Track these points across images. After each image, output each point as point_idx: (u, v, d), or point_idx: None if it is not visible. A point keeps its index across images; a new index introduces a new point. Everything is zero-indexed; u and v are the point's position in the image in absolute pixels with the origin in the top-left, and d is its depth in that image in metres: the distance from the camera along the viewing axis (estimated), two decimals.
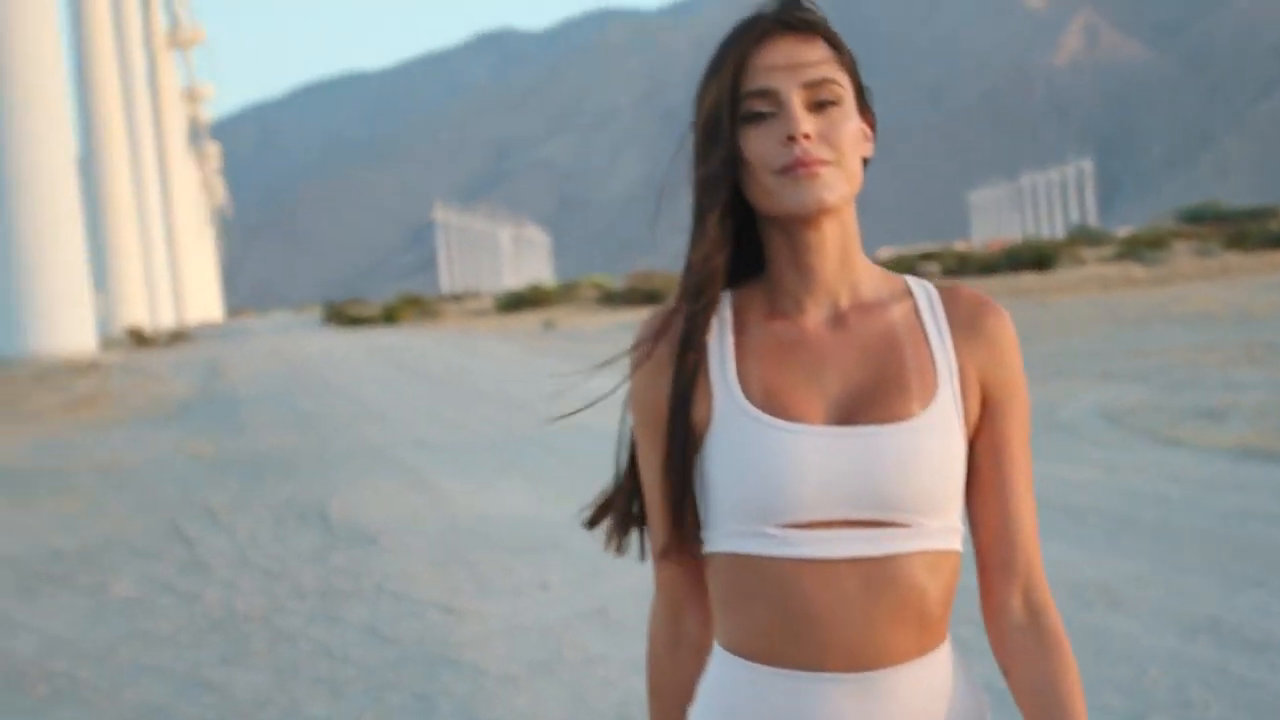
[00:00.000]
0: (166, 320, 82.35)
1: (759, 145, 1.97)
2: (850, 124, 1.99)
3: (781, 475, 1.93)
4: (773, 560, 1.94)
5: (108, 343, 52.62)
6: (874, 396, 1.97)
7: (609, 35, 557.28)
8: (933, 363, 2.00)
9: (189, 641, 8.35)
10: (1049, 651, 2.03)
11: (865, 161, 2.05)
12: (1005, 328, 2.06)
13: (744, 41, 1.99)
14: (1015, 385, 2.05)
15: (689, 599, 2.10)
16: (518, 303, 66.24)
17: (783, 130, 1.96)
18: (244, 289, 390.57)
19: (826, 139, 1.97)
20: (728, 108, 1.98)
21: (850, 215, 2.04)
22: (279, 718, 6.78)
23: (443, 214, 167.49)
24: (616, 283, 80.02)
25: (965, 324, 2.04)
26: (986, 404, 2.03)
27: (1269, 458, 11.71)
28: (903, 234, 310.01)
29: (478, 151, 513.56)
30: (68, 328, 42.77)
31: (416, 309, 69.22)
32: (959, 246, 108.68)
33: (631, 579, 8.51)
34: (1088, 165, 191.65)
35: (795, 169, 1.95)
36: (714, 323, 2.05)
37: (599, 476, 2.25)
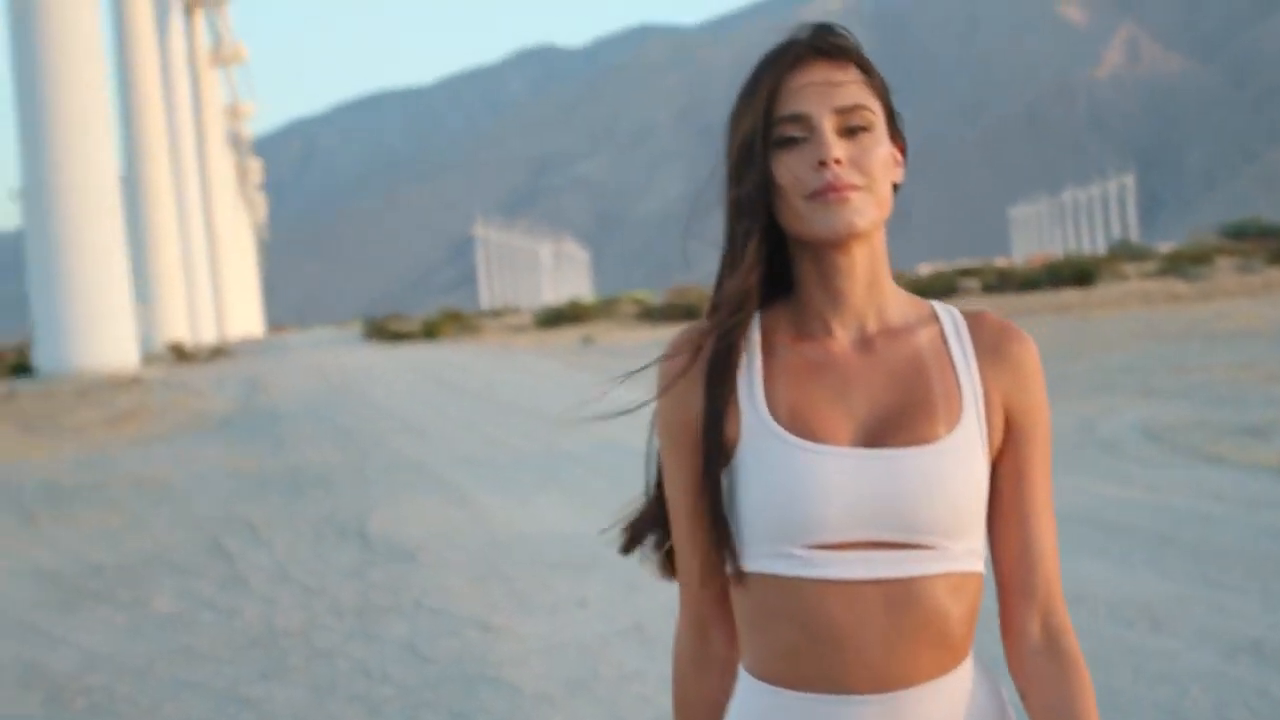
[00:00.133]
0: (208, 335, 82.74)
1: (791, 169, 2.00)
2: (881, 149, 2.02)
3: (807, 496, 1.96)
4: (798, 581, 1.97)
5: (149, 358, 52.89)
6: (900, 419, 2.00)
7: (648, 52, 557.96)
8: (958, 387, 2.03)
9: (228, 657, 8.38)
10: (1066, 675, 2.06)
11: (896, 187, 2.07)
12: (1030, 354, 2.08)
13: (777, 66, 2.03)
14: (1038, 411, 2.07)
15: (714, 617, 2.12)
16: (557, 318, 66.28)
17: (814, 155, 1.99)
18: (285, 304, 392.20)
19: (857, 164, 2.00)
20: (761, 132, 2.01)
21: (880, 240, 2.06)
22: None
23: (483, 229, 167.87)
24: (656, 298, 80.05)
25: (990, 349, 2.07)
26: (1009, 429, 2.06)
27: None
28: (943, 250, 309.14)
29: (517, 167, 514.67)
30: (110, 343, 43.00)
31: (456, 324, 69.35)
32: (999, 262, 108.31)
33: (668, 595, 8.49)
34: (1129, 180, 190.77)
35: (826, 194, 1.98)
36: (742, 343, 2.07)
37: (637, 492, 2.26)
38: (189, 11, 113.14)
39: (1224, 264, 59.19)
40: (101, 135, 43.91)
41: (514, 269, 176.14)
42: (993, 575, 2.10)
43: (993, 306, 44.42)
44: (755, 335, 2.08)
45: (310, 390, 32.73)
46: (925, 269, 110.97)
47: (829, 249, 2.02)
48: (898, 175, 2.07)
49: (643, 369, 2.17)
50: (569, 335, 52.81)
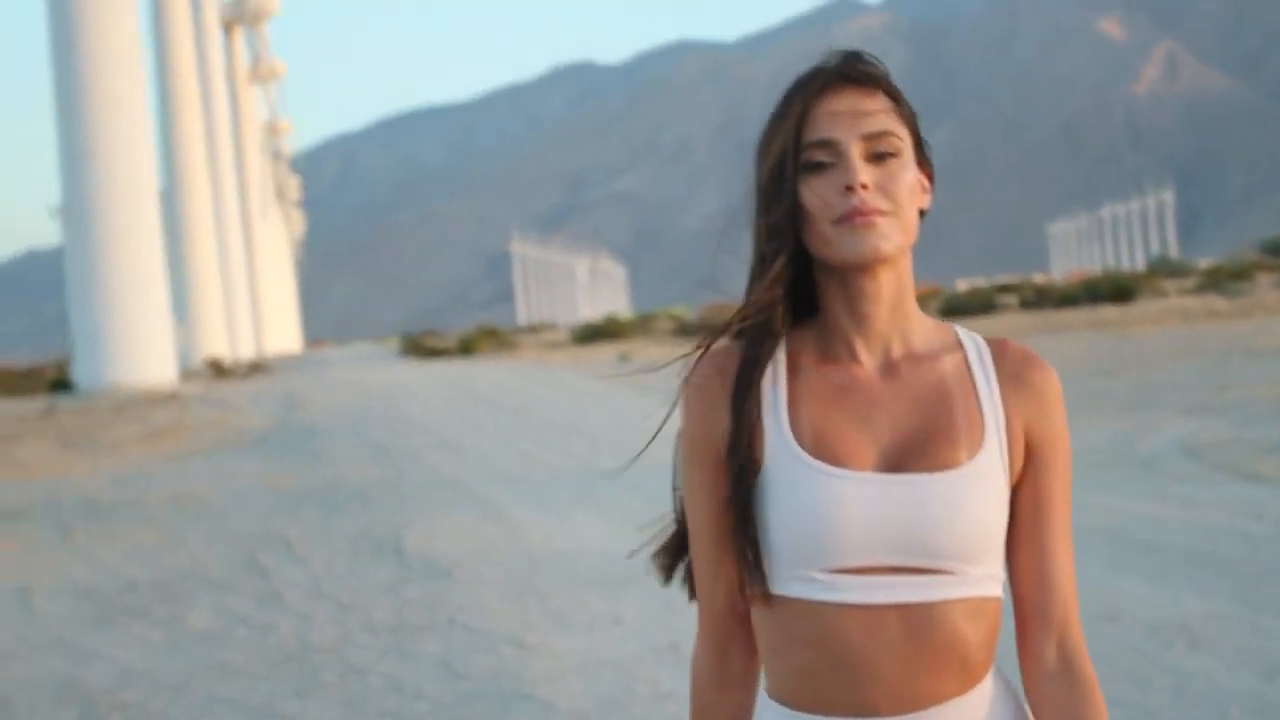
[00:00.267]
0: (246, 351, 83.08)
1: (818, 194, 2.03)
2: (908, 175, 2.05)
3: (829, 521, 1.98)
4: (818, 604, 1.99)
5: (187, 374, 53.12)
6: (922, 445, 2.02)
7: (686, 68, 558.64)
8: (980, 414, 2.06)
9: (262, 673, 8.38)
10: (1080, 699, 2.07)
11: (923, 213, 2.10)
12: (1051, 382, 2.11)
13: (806, 93, 2.06)
14: (1059, 438, 2.10)
15: (734, 636, 2.14)
16: (593, 334, 66.29)
17: (841, 180, 2.02)
18: (323, 320, 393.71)
19: (884, 190, 2.03)
20: (790, 157, 2.04)
21: (906, 265, 2.09)
22: None
23: (520, 246, 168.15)
24: (693, 315, 79.99)
25: (1013, 377, 2.09)
26: (1030, 456, 2.09)
27: None
28: (981, 266, 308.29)
29: (555, 183, 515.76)
30: (149, 359, 43.20)
31: (493, 340, 69.44)
32: (1038, 279, 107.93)
33: None
34: (1168, 196, 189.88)
35: (852, 218, 2.01)
36: (768, 364, 2.10)
37: (668, 509, 2.25)
38: (228, 29, 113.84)
39: (1264, 280, 58.83)
40: (141, 153, 44.17)
41: (551, 285, 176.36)
42: (1010, 598, 2.13)
43: (1030, 323, 44.26)
44: (781, 356, 2.10)
45: (347, 406, 32.81)
46: (963, 285, 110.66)
47: (855, 273, 2.05)
48: (925, 201, 2.10)
49: (667, 364, 2.21)
50: (606, 351, 52.81)
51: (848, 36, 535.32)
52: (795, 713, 2.05)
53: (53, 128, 43.93)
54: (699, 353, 2.14)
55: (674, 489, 2.18)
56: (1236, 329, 33.74)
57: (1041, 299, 57.77)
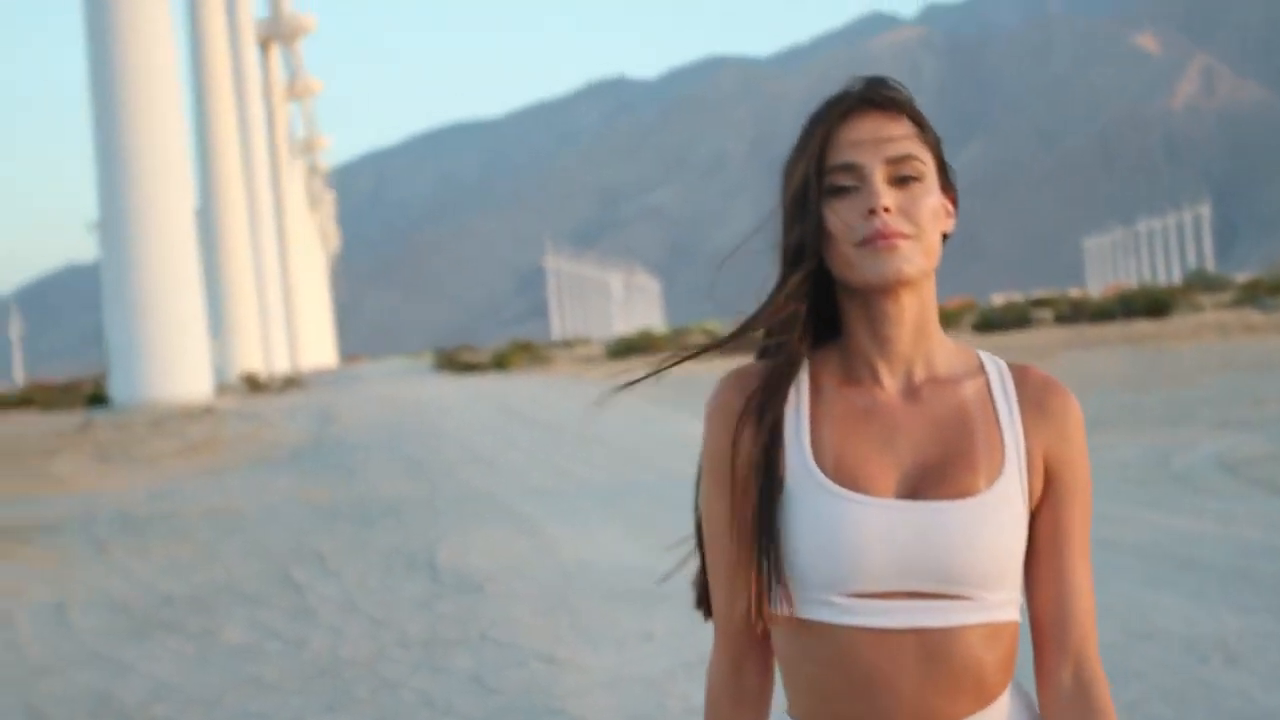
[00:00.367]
0: (281, 366, 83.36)
1: (841, 217, 2.05)
2: (931, 199, 2.07)
3: (848, 547, 2.00)
4: (836, 628, 2.02)
5: (223, 388, 53.34)
6: (942, 471, 2.04)
7: (719, 83, 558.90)
8: (1001, 440, 2.07)
9: (294, 688, 8.40)
10: None
11: (946, 237, 2.13)
12: (1072, 409, 2.12)
13: (831, 117, 2.09)
14: (1079, 465, 2.12)
15: (750, 652, 2.15)
16: (627, 349, 66.33)
17: (864, 203, 2.04)
18: (359, 334, 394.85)
19: (907, 213, 2.05)
20: (813, 180, 2.07)
21: (929, 289, 2.10)
22: None
23: (554, 260, 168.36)
24: (727, 329, 79.81)
25: (1034, 403, 2.11)
26: (1049, 482, 2.10)
27: None
28: (1016, 280, 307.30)
29: (588, 198, 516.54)
30: (184, 374, 43.39)
31: (527, 355, 69.54)
32: (1073, 293, 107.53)
33: None
34: (1205, 210, 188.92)
35: (875, 241, 2.03)
36: (791, 386, 2.11)
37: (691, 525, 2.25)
38: (264, 46, 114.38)
39: None
40: (178, 168, 44.40)
41: (585, 300, 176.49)
42: (1028, 623, 2.14)
43: (1065, 337, 44.10)
44: (803, 377, 2.12)
45: (381, 421, 32.88)
46: (998, 299, 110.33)
47: (877, 296, 2.07)
48: (948, 225, 2.12)
49: (674, 362, 2.23)
50: (640, 366, 52.81)
51: (882, 50, 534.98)
52: None
53: (90, 144, 44.20)
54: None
55: (696, 510, 2.19)
56: (1273, 343, 33.54)
57: (1076, 313, 57.57)
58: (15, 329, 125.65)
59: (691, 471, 2.27)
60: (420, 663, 8.77)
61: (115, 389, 43.96)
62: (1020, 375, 2.13)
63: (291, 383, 64.82)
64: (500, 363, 66.35)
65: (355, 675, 8.57)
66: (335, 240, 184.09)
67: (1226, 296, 65.72)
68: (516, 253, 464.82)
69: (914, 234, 2.04)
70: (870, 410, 2.07)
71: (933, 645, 2.00)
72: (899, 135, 2.07)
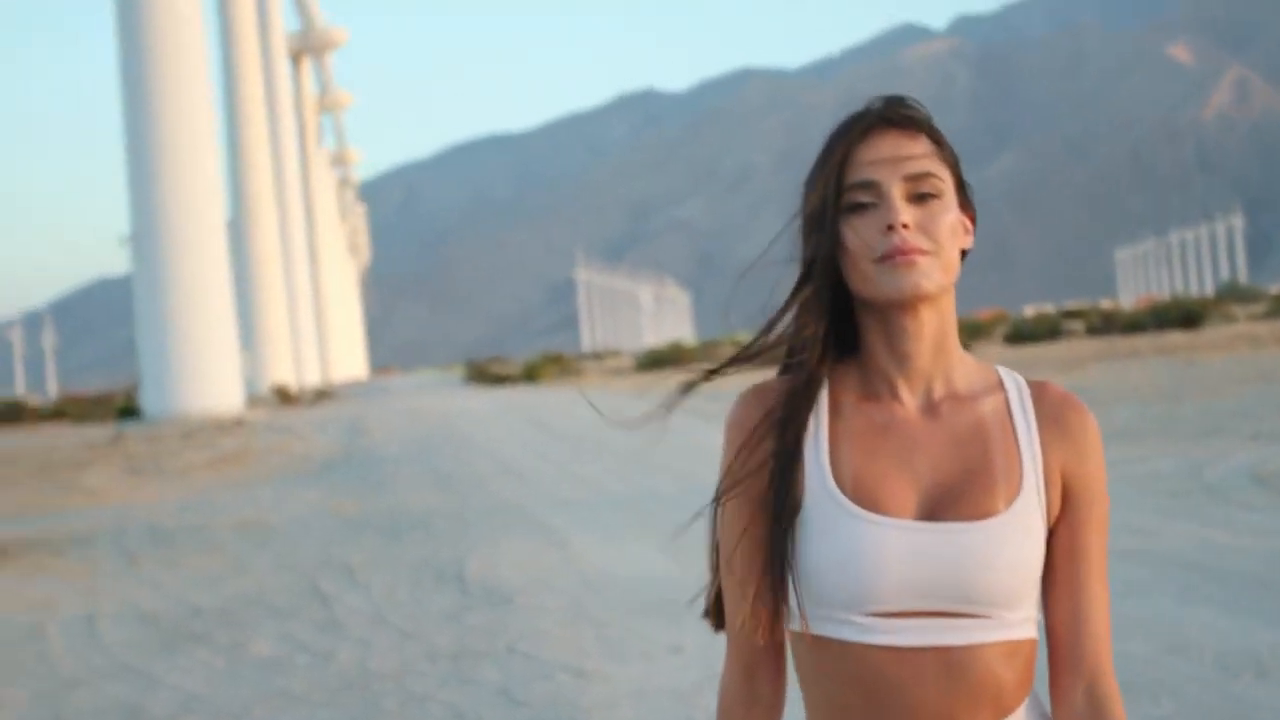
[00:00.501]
0: (313, 378, 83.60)
1: (860, 234, 2.07)
2: (949, 216, 2.09)
3: (867, 568, 2.01)
4: (855, 646, 2.03)
5: (254, 401, 53.51)
6: (961, 491, 2.05)
7: (749, 95, 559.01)
8: (1019, 458, 2.08)
9: (321, 700, 8.40)
10: None
11: (964, 254, 2.14)
12: (1090, 426, 2.13)
13: (850, 136, 2.11)
14: (1096, 483, 2.12)
15: (763, 662, 2.17)
16: (657, 361, 66.32)
17: (883, 220, 2.06)
18: (389, 347, 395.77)
19: (925, 229, 2.07)
20: (832, 198, 2.09)
21: (948, 305, 2.12)
22: None
23: (584, 272, 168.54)
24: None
25: (1052, 420, 2.12)
26: (1067, 499, 2.11)
27: None
28: (1048, 291, 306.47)
29: (618, 211, 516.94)
30: (215, 386, 43.54)
31: (557, 367, 69.58)
32: (1105, 304, 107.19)
33: None
34: (1237, 221, 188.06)
35: (894, 256, 2.05)
36: (812, 405, 2.13)
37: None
38: (295, 60, 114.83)
39: None
40: (209, 182, 44.60)
41: (615, 312, 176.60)
42: (1044, 639, 2.15)
43: (1096, 349, 43.92)
44: (822, 395, 2.13)
45: (411, 433, 32.93)
46: (1030, 311, 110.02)
47: (896, 312, 2.08)
48: (966, 242, 2.14)
49: (689, 389, 2.22)
50: (670, 379, 52.81)
51: (913, 62, 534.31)
52: None
53: (122, 158, 44.42)
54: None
55: (713, 521, 2.20)
56: None
57: (1108, 325, 57.35)
58: (48, 341, 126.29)
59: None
60: (448, 675, 8.76)
61: (147, 401, 44.14)
62: (1038, 392, 2.14)
63: (322, 395, 64.98)
64: (531, 375, 66.39)
65: (383, 688, 8.56)
66: (366, 253, 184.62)
67: (1259, 308, 65.39)
68: (547, 265, 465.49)
69: (932, 250, 2.06)
70: (889, 427, 2.09)
71: (952, 663, 2.01)
72: (917, 153, 2.09)
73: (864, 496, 2.04)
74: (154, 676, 9.42)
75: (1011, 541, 2.03)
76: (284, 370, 69.16)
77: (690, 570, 11.28)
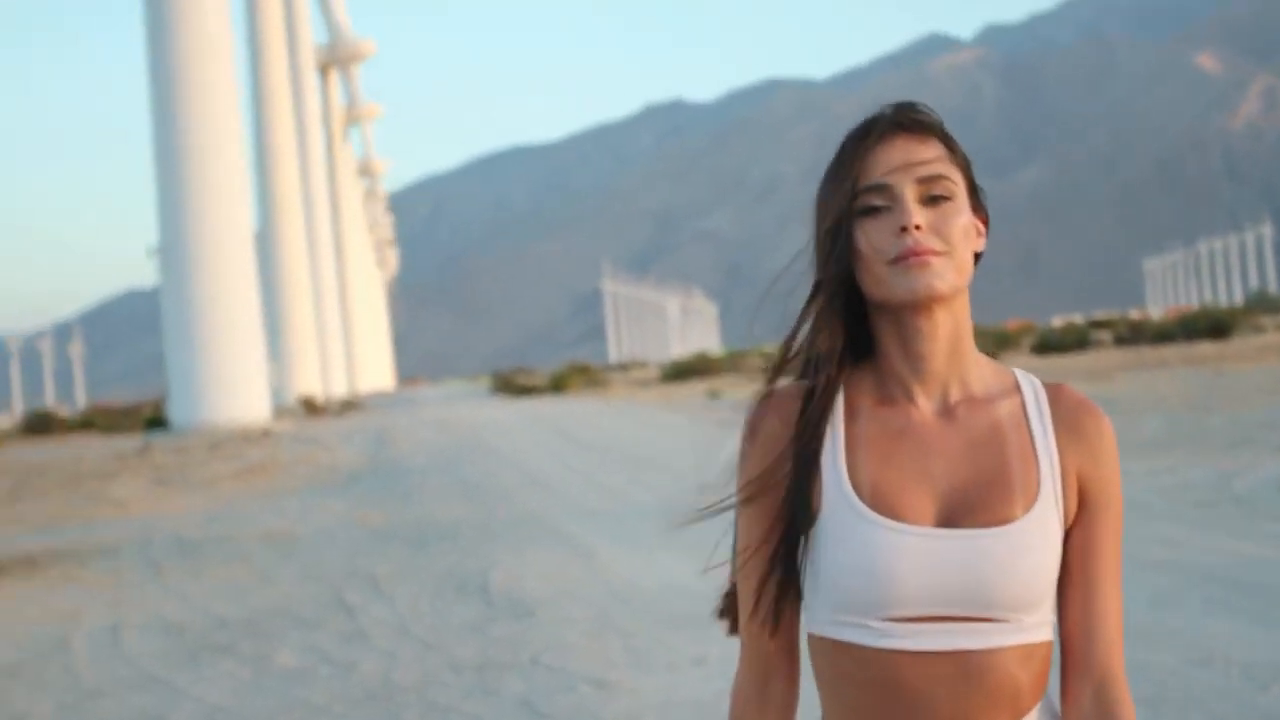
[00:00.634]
0: (339, 389, 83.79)
1: (873, 237, 2.08)
2: (961, 218, 2.10)
3: (885, 574, 2.02)
4: (872, 650, 2.04)
5: (280, 412, 53.62)
6: (978, 498, 2.06)
7: (777, 105, 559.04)
8: (1036, 462, 2.09)
9: (343, 712, 8.38)
10: None
11: (978, 257, 2.15)
12: (1105, 429, 2.14)
13: (863, 141, 2.12)
14: (1111, 487, 2.13)
15: (776, 663, 2.18)
16: (683, 372, 66.28)
17: (896, 222, 2.07)
18: (416, 357, 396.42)
19: (938, 231, 2.07)
20: (846, 201, 2.10)
21: (962, 307, 2.12)
22: None
23: (611, 283, 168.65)
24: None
25: (1068, 423, 2.12)
26: (1082, 503, 2.12)
27: None
28: (1077, 302, 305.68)
29: (645, 221, 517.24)
30: (242, 398, 43.68)
31: (583, 378, 69.60)
32: (1134, 314, 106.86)
33: None
34: (1267, 230, 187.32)
35: (907, 258, 2.05)
36: (829, 413, 2.14)
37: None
38: (324, 72, 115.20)
39: None
40: (237, 193, 44.76)
41: (642, 322, 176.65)
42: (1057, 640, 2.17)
43: (1124, 359, 43.75)
44: (839, 399, 2.14)
45: (438, 444, 32.96)
46: (1058, 321, 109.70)
47: (909, 313, 2.09)
48: (979, 245, 2.15)
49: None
50: (696, 389, 52.76)
51: (940, 73, 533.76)
52: None
53: (151, 170, 44.61)
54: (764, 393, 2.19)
55: (735, 525, 2.22)
56: None
57: (1136, 335, 57.14)
58: (77, 352, 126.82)
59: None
60: (471, 687, 8.74)
61: (174, 412, 44.29)
62: (1055, 395, 2.14)
63: (349, 406, 65.10)
64: (557, 385, 66.43)
65: (406, 700, 8.54)
66: (393, 263, 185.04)
67: None
68: (573, 276, 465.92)
69: (945, 251, 2.06)
70: (905, 432, 2.10)
71: (969, 666, 2.02)
72: (929, 157, 2.10)
73: (881, 503, 2.05)
74: (178, 688, 9.42)
75: (1030, 547, 2.03)
76: (310, 381, 69.33)
77: (716, 581, 11.23)
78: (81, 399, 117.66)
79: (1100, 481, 2.11)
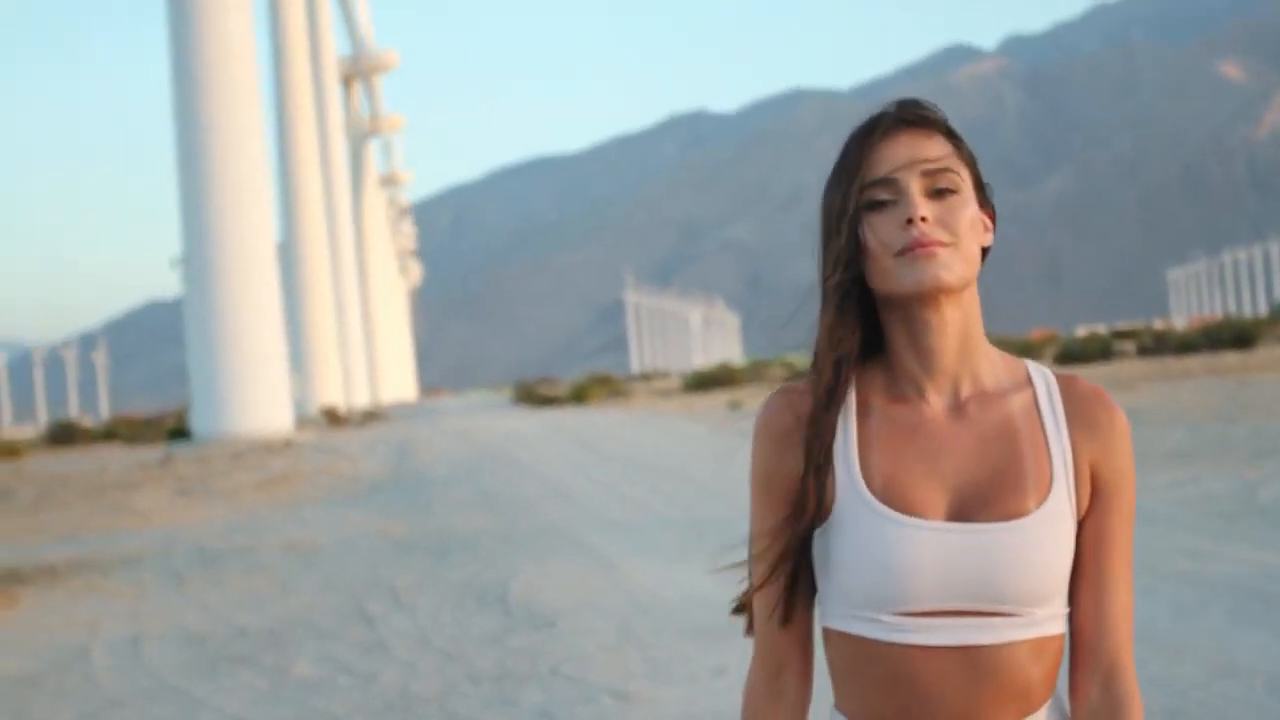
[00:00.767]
0: (362, 400, 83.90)
1: (880, 231, 2.08)
2: (968, 211, 2.10)
3: (898, 569, 2.03)
4: (884, 645, 2.05)
5: (303, 422, 53.72)
6: (990, 492, 2.06)
7: (800, 116, 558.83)
8: (1048, 455, 2.09)
9: None
10: None
11: (985, 251, 2.15)
12: (1119, 422, 2.13)
13: (869, 138, 2.13)
14: (1124, 479, 2.12)
15: (790, 658, 2.19)
16: (705, 382, 66.23)
17: (902, 214, 2.07)
18: (439, 368, 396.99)
19: (944, 223, 2.07)
20: (852, 197, 2.11)
21: (971, 300, 2.11)
22: None
23: (633, 294, 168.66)
24: (806, 362, 79.52)
25: (1081, 416, 2.12)
26: (1095, 495, 2.12)
27: None
28: (1100, 312, 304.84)
29: (668, 231, 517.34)
30: (265, 408, 43.76)
31: (605, 388, 69.58)
32: (1158, 324, 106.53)
33: None
34: None
35: (913, 249, 2.05)
36: (841, 409, 2.15)
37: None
38: (347, 83, 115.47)
39: None
40: (260, 204, 44.87)
41: (664, 333, 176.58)
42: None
43: (1148, 370, 43.60)
44: (850, 396, 2.15)
45: (459, 455, 32.97)
46: (1081, 331, 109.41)
47: (917, 305, 2.09)
48: (986, 239, 2.15)
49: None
50: (718, 400, 52.72)
51: (963, 82, 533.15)
52: None
53: (174, 180, 44.75)
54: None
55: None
56: None
57: (1160, 345, 56.96)
58: (101, 362, 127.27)
59: None
60: (491, 698, 8.72)
61: (197, 423, 44.39)
62: (1067, 387, 2.14)
63: (371, 416, 65.18)
64: (579, 396, 66.41)
65: (425, 710, 8.53)
66: (416, 274, 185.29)
67: None
68: (596, 286, 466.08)
69: (952, 242, 2.06)
70: (917, 428, 2.10)
71: (981, 660, 2.03)
72: (935, 152, 2.10)
73: (895, 499, 2.05)
74: (197, 698, 9.41)
75: (1043, 541, 2.04)
76: (333, 392, 69.44)
77: (735, 591, 11.20)
78: (105, 409, 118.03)
79: (1113, 473, 2.11)
